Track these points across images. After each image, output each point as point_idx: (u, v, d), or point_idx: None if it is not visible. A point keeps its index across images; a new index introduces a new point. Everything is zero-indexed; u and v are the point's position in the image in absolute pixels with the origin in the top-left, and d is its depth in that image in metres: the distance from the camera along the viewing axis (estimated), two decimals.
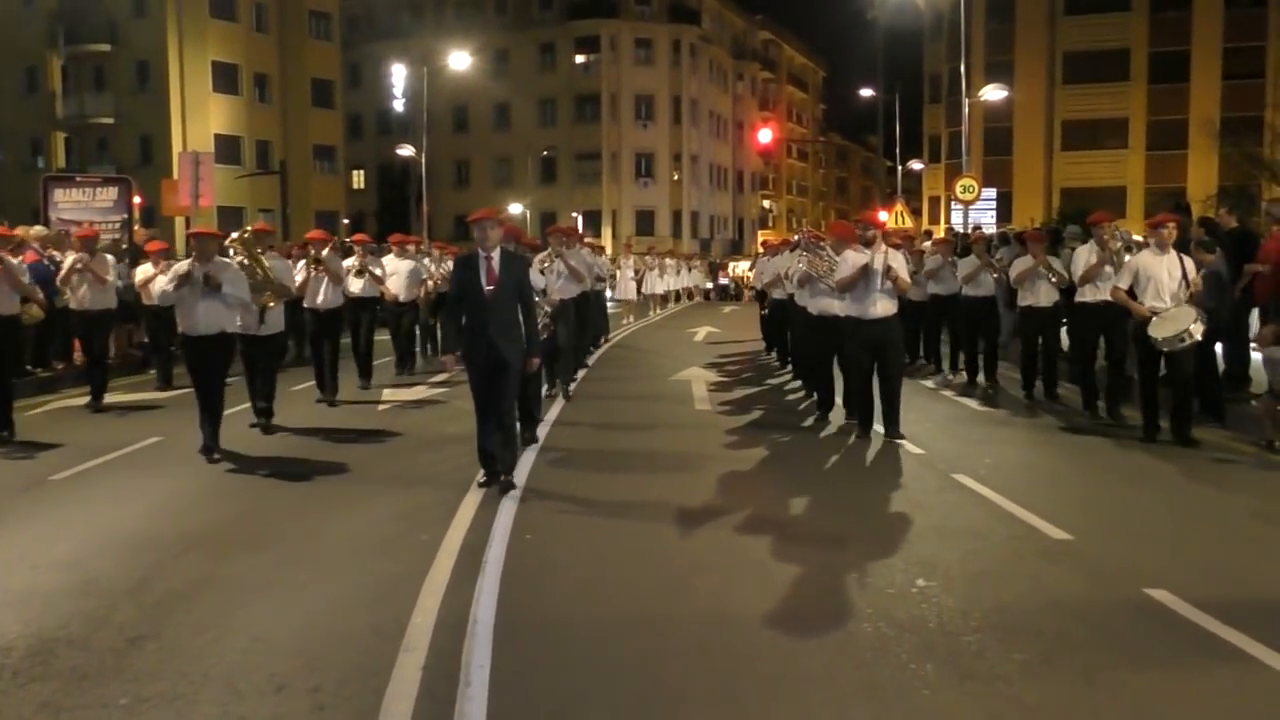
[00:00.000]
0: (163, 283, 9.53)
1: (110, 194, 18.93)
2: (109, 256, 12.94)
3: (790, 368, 15.34)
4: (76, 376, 13.38)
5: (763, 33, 79.39)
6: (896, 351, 10.32)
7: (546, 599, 5.59)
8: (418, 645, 4.85)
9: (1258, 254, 10.61)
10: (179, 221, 32.14)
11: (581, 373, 15.14)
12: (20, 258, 12.96)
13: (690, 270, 40.44)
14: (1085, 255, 11.05)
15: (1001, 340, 14.23)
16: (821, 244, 11.38)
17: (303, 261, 12.23)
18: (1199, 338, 9.39)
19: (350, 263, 13.44)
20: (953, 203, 29.97)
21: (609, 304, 22.45)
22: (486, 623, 5.15)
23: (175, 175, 26.04)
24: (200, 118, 47.64)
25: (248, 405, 10.65)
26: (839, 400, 11.22)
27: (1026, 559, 6.28)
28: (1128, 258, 10.27)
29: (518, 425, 8.69)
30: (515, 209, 58.80)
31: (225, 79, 49.14)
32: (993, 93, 30.98)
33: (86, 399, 12.19)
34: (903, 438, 9.77)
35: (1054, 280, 11.88)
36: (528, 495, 7.75)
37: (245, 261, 9.97)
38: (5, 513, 7.44)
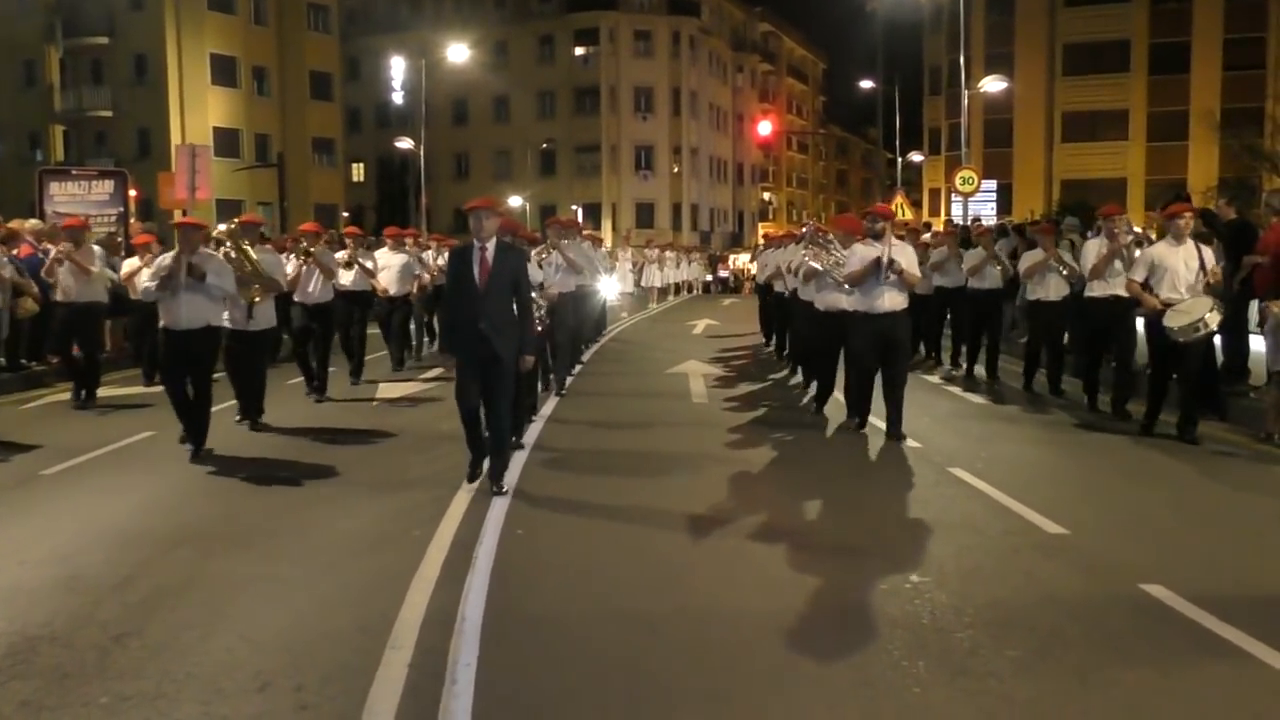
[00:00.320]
0: (145, 279, 9.27)
1: (106, 187, 18.80)
2: (95, 247, 12.63)
3: (789, 361, 15.29)
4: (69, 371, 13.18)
5: (762, 24, 79.16)
6: (903, 349, 10.06)
7: (537, 595, 5.53)
8: (404, 643, 4.80)
9: (1256, 246, 10.54)
10: (178, 215, 32.03)
11: (578, 368, 15.07)
12: (15, 250, 12.94)
13: (690, 263, 40.37)
14: (1095, 248, 10.85)
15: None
16: (828, 237, 11.18)
17: (293, 255, 12.01)
18: (1214, 327, 9.26)
19: (341, 256, 13.25)
20: (953, 195, 29.87)
21: (612, 298, 22.38)
22: (475, 620, 5.10)
23: (173, 168, 25.93)
24: (199, 110, 47.52)
25: (232, 402, 10.39)
26: (838, 394, 10.99)
27: (1022, 554, 6.23)
28: (1138, 252, 10.15)
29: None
30: (515, 202, 58.67)
31: (223, 72, 49.02)
32: (992, 84, 30.88)
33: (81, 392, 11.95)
34: (904, 438, 9.60)
35: (1065, 273, 11.72)
36: (520, 493, 7.65)
37: (233, 254, 9.75)
38: None
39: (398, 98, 50.53)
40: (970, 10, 37.63)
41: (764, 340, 18.52)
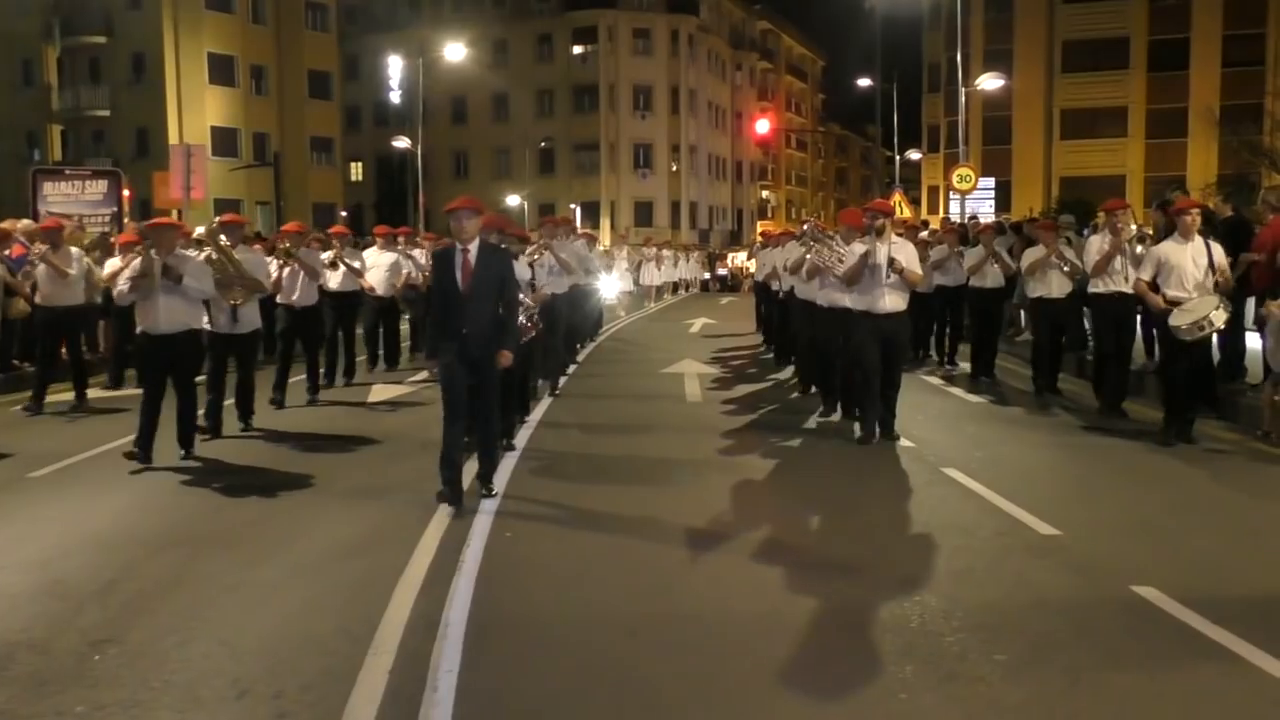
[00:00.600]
0: (120, 282, 8.92)
1: (100, 187, 18.78)
2: (73, 249, 12.24)
3: (781, 359, 15.22)
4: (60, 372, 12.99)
5: (761, 22, 79.12)
6: (903, 350, 9.87)
7: (523, 599, 5.48)
8: (386, 648, 4.75)
9: (1252, 243, 10.47)
10: (175, 214, 32.00)
11: (572, 368, 15.01)
12: (8, 250, 12.85)
13: (687, 261, 40.28)
14: (1097, 244, 10.66)
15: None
16: (830, 234, 10.90)
17: (275, 257, 11.64)
18: (1220, 326, 9.10)
19: (327, 256, 12.99)
20: (951, 192, 29.80)
21: (609, 297, 22.21)
22: (459, 624, 5.04)
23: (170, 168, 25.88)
24: (196, 110, 47.47)
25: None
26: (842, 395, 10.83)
27: (1013, 556, 6.17)
28: (1140, 249, 10.00)
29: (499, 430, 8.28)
30: (513, 200, 58.68)
31: (222, 71, 48.97)
32: (990, 81, 30.77)
33: (71, 395, 11.82)
34: (897, 437, 9.51)
35: (1067, 270, 11.59)
36: (509, 496, 7.56)
37: (214, 255, 9.50)
38: None
39: (395, 97, 50.45)
40: (969, 7, 37.60)
41: (762, 341, 18.43)
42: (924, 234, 17.46)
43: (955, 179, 27.19)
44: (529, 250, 11.33)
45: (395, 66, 49.40)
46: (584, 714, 4.20)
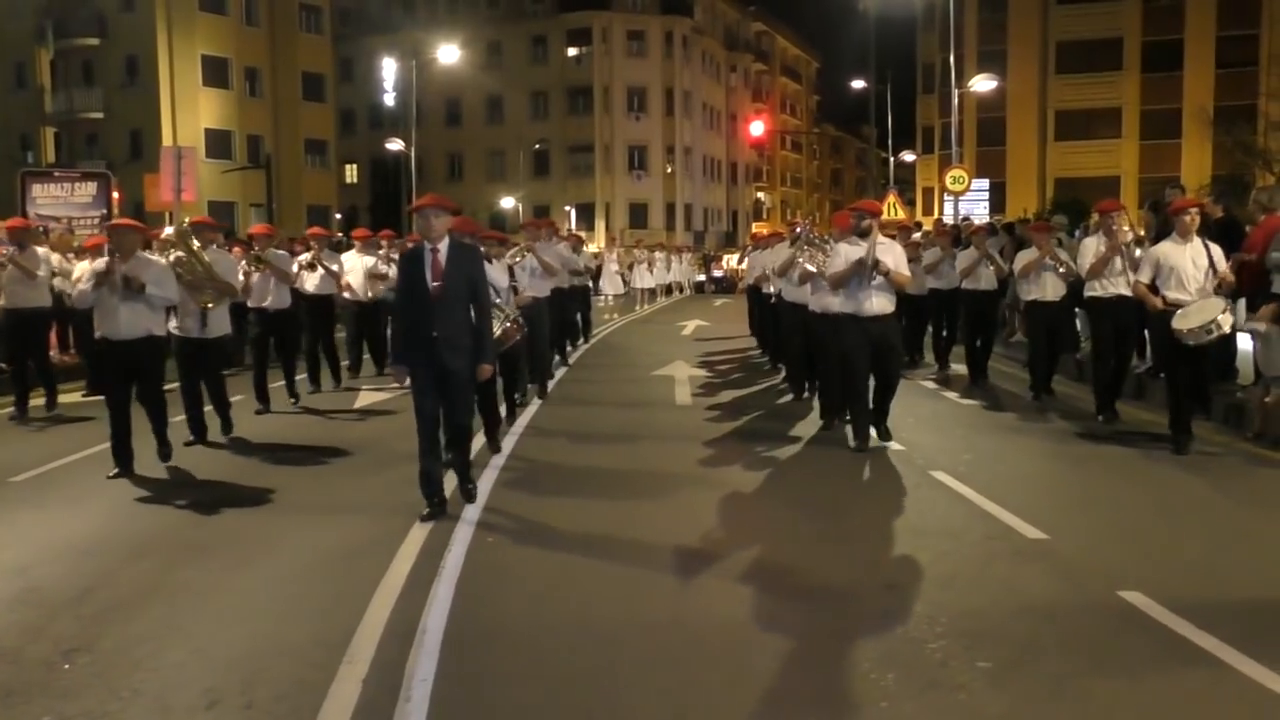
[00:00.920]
0: (82, 282, 8.67)
1: (89, 189, 18.76)
2: (40, 250, 12.01)
3: (776, 364, 15.15)
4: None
5: (755, 24, 79.16)
6: (895, 352, 9.67)
7: (501, 608, 5.40)
8: (361, 656, 4.68)
9: (1244, 243, 10.41)
10: (167, 217, 31.92)
11: (561, 371, 14.92)
12: None
13: (680, 263, 40.20)
14: (1093, 246, 10.45)
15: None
16: (822, 237, 10.73)
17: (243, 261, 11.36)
18: (1227, 329, 8.84)
19: (305, 258, 12.83)
20: (945, 193, 29.81)
21: (599, 299, 22.08)
22: (436, 632, 4.98)
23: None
24: (190, 112, 47.40)
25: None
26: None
27: (999, 560, 6.11)
28: (1137, 251, 9.89)
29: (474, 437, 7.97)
30: (508, 202, 58.69)
31: (215, 73, 48.91)
32: (983, 83, 30.78)
33: (43, 400, 11.70)
34: (889, 439, 9.46)
35: (1062, 272, 11.50)
36: (492, 505, 7.45)
37: (183, 256, 9.25)
38: None
39: (390, 99, 50.40)
40: (963, 8, 37.60)
41: (756, 344, 18.31)
42: (916, 235, 17.41)
43: (949, 180, 27.19)
44: (511, 253, 11.22)
45: (389, 69, 49.41)
46: None
